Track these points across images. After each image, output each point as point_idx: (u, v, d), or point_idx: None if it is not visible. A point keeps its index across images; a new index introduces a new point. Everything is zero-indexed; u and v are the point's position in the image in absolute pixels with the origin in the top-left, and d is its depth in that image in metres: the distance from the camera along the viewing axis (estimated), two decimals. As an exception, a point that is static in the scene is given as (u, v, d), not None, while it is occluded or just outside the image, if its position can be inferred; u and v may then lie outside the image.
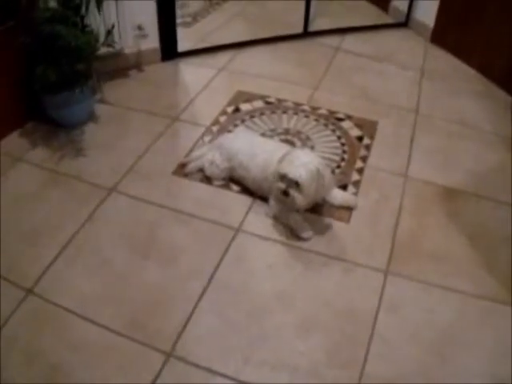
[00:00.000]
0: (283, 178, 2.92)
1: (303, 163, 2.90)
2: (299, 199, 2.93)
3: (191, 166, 3.42)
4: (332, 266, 2.91)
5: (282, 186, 2.92)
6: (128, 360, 2.43)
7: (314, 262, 2.93)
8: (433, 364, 2.48)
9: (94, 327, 2.55)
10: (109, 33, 3.87)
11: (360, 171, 3.54)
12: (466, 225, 3.22)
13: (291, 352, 2.49)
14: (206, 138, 3.74)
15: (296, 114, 4.07)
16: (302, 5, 5.05)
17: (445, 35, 5.11)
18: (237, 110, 4.07)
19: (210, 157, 3.36)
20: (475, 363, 2.50)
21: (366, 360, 2.47)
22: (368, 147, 3.77)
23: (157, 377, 2.37)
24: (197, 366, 2.41)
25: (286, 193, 2.93)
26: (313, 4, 5.08)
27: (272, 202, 3.16)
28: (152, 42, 4.49)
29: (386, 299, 2.74)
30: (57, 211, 3.15)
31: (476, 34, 4.74)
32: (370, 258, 2.97)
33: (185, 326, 2.56)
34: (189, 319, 2.60)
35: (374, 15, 5.75)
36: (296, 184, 2.89)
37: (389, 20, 5.62)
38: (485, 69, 4.75)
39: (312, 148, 3.70)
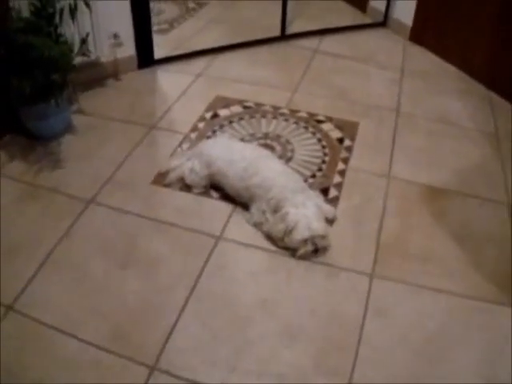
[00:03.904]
0: (306, 240, 2.89)
1: (305, 215, 2.92)
2: (327, 242, 2.98)
3: (171, 176, 3.38)
4: (316, 271, 2.88)
5: (311, 248, 2.90)
6: (111, 374, 2.38)
7: (297, 268, 2.89)
8: (423, 367, 2.45)
9: (76, 342, 2.49)
10: (83, 42, 3.82)
11: (342, 173, 3.51)
12: (452, 224, 3.20)
13: (277, 360, 2.45)
14: (185, 146, 3.70)
15: (275, 117, 4.03)
16: (279, 8, 5.02)
17: (424, 33, 5.11)
18: (215, 115, 4.02)
19: (190, 164, 3.33)
20: (467, 365, 2.47)
21: (354, 366, 2.43)
22: (349, 149, 3.74)
23: (141, 391, 2.33)
24: (182, 378, 2.37)
25: (316, 250, 2.92)
26: (289, 7, 5.06)
27: (253, 209, 3.12)
28: (128, 50, 4.44)
29: (372, 303, 2.71)
30: (35, 225, 3.09)
31: (455, 31, 4.76)
32: (354, 261, 2.94)
33: (168, 338, 2.52)
34: (172, 330, 2.55)
35: (351, 16, 5.75)
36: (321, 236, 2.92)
37: (367, 20, 5.62)
38: (465, 66, 4.75)
39: (292, 151, 3.67)
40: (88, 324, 2.58)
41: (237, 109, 4.13)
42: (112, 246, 2.99)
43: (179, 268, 2.86)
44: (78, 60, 3.75)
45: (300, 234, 2.86)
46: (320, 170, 3.53)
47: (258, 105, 4.19)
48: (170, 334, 2.53)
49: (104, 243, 3.00)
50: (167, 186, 3.37)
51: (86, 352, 2.46)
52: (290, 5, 5.05)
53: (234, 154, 3.23)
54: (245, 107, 4.15)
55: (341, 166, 3.58)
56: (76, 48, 3.75)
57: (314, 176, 3.47)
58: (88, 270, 2.84)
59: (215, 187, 3.33)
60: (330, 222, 3.13)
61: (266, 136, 3.83)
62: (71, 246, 2.97)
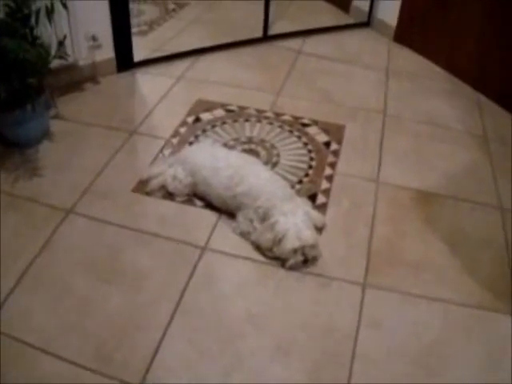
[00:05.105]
0: (296, 250, 2.81)
1: (295, 224, 2.83)
2: (317, 252, 2.90)
3: (153, 184, 3.28)
4: (306, 281, 2.80)
5: (301, 258, 2.82)
6: (95, 395, 2.28)
7: (287, 279, 2.80)
8: (421, 379, 2.39)
9: (59, 362, 2.38)
10: (60, 44, 3.70)
11: (329, 179, 3.44)
12: (444, 229, 3.16)
13: (269, 377, 2.36)
14: (166, 151, 3.61)
15: (259, 121, 3.95)
16: (261, 9, 4.96)
17: (409, 34, 5.08)
18: (197, 119, 3.93)
19: (173, 172, 3.23)
20: (465, 375, 2.42)
21: (349, 381, 2.36)
22: (336, 153, 3.66)
23: (126, 413, 2.23)
24: (169, 398, 2.28)
25: (306, 260, 2.84)
26: (272, 7, 4.99)
27: (240, 218, 3.03)
28: (107, 52, 4.34)
29: (366, 314, 2.64)
30: (12, 237, 2.97)
31: (440, 31, 4.74)
32: (345, 270, 2.86)
33: (154, 355, 2.42)
34: (158, 347, 2.45)
35: (334, 16, 5.71)
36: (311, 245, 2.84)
37: (350, 20, 5.58)
38: (451, 66, 4.74)
39: (277, 156, 3.59)
40: (70, 343, 2.46)
41: (219, 112, 4.04)
42: (93, 258, 2.88)
43: (163, 281, 2.76)
44: (55, 63, 3.64)
45: (290, 243, 2.77)
46: (307, 175, 3.45)
47: (242, 108, 4.10)
48: (156, 351, 2.44)
49: (85, 256, 2.89)
50: (149, 194, 3.27)
51: (68, 372, 2.35)
52: (272, 5, 4.98)
53: (218, 162, 3.14)
54: (228, 111, 4.06)
55: (328, 171, 3.50)
56: (53, 51, 3.63)
57: (300, 182, 3.39)
58: (69, 285, 2.73)
59: (199, 196, 3.24)
60: (319, 229, 3.04)
61: (250, 140, 3.74)
62: (50, 259, 2.86)
